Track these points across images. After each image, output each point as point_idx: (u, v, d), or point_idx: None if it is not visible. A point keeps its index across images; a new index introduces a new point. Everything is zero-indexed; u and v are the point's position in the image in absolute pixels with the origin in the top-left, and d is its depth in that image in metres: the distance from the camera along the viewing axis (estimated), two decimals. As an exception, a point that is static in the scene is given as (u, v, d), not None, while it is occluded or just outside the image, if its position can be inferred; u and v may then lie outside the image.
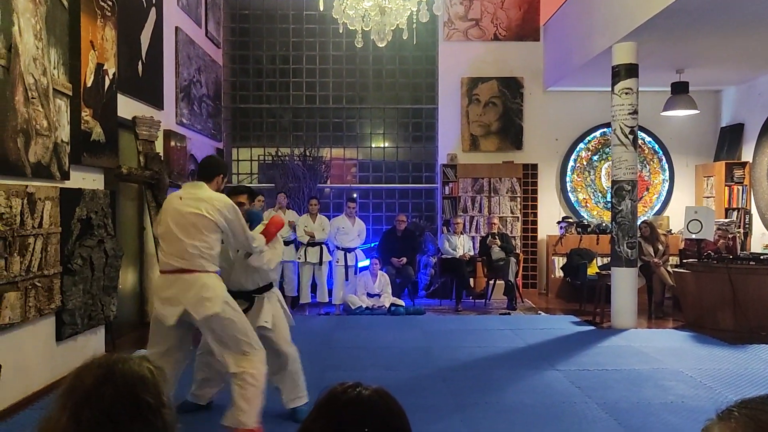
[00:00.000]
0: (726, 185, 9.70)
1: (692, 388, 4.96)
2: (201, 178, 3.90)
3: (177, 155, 7.69)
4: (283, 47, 10.56)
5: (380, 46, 5.28)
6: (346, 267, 8.59)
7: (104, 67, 5.65)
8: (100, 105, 5.56)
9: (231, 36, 10.53)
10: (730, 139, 10.08)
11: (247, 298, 4.12)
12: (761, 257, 7.49)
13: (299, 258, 8.55)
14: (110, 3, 5.78)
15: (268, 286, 4.25)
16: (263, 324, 4.06)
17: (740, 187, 9.64)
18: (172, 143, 7.53)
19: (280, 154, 10.37)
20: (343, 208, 9.28)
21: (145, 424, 1.20)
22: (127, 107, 6.37)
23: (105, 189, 5.74)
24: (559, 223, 10.18)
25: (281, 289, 8.45)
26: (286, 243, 8.36)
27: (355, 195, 10.32)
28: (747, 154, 9.70)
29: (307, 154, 10.20)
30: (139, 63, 6.74)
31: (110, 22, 5.78)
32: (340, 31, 5.68)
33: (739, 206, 9.64)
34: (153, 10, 7.11)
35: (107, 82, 5.72)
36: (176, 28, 7.90)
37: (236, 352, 3.72)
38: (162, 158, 7.05)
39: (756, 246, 9.29)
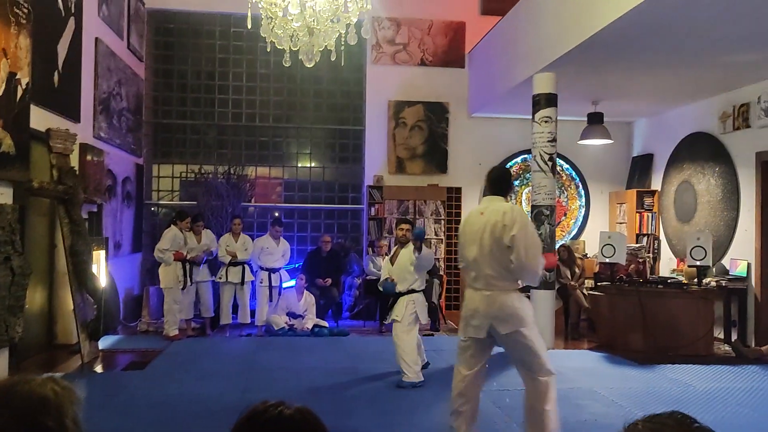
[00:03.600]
0: (637, 212, 10.18)
1: (605, 407, 5.14)
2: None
3: (93, 170, 7.40)
4: (209, 63, 10.37)
5: (308, 66, 5.28)
6: (270, 287, 8.44)
7: (17, 77, 5.40)
8: (11, 116, 5.30)
9: (155, 49, 10.27)
10: (641, 168, 10.62)
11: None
12: (668, 281, 7.89)
13: (220, 278, 8.33)
14: (25, 10, 5.54)
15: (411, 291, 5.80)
16: (395, 318, 5.76)
17: (650, 214, 10.14)
18: (89, 157, 7.24)
19: (203, 171, 10.14)
20: (267, 228, 9.15)
21: None
22: (41, 119, 6.09)
23: (14, 203, 5.45)
24: (481, 245, 10.35)
25: (197, 309, 8.24)
26: (204, 263, 8.20)
27: (277, 214, 10.20)
28: (656, 183, 10.23)
29: (232, 172, 10.03)
30: (55, 73, 6.47)
31: (25, 29, 5.54)
32: (268, 50, 5.64)
33: (649, 232, 10.13)
34: (72, 19, 6.87)
35: (20, 92, 5.46)
36: (96, 39, 7.65)
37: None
38: (77, 173, 6.77)
39: (664, 270, 9.76)
